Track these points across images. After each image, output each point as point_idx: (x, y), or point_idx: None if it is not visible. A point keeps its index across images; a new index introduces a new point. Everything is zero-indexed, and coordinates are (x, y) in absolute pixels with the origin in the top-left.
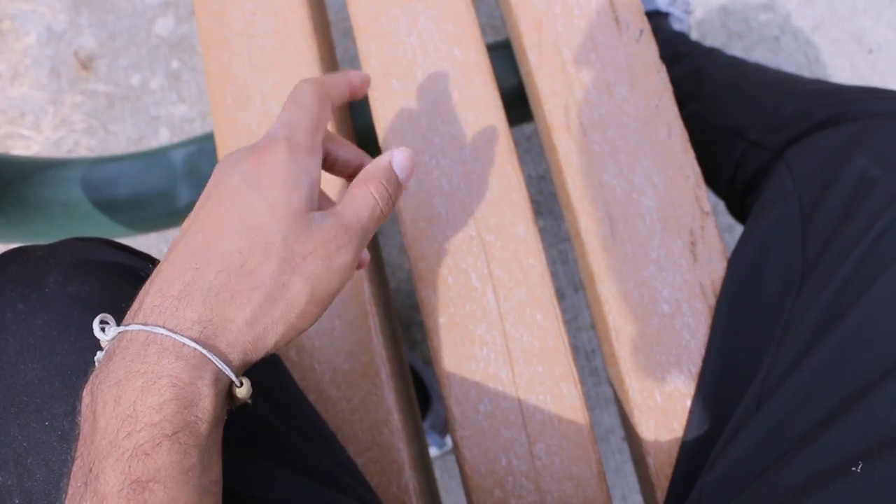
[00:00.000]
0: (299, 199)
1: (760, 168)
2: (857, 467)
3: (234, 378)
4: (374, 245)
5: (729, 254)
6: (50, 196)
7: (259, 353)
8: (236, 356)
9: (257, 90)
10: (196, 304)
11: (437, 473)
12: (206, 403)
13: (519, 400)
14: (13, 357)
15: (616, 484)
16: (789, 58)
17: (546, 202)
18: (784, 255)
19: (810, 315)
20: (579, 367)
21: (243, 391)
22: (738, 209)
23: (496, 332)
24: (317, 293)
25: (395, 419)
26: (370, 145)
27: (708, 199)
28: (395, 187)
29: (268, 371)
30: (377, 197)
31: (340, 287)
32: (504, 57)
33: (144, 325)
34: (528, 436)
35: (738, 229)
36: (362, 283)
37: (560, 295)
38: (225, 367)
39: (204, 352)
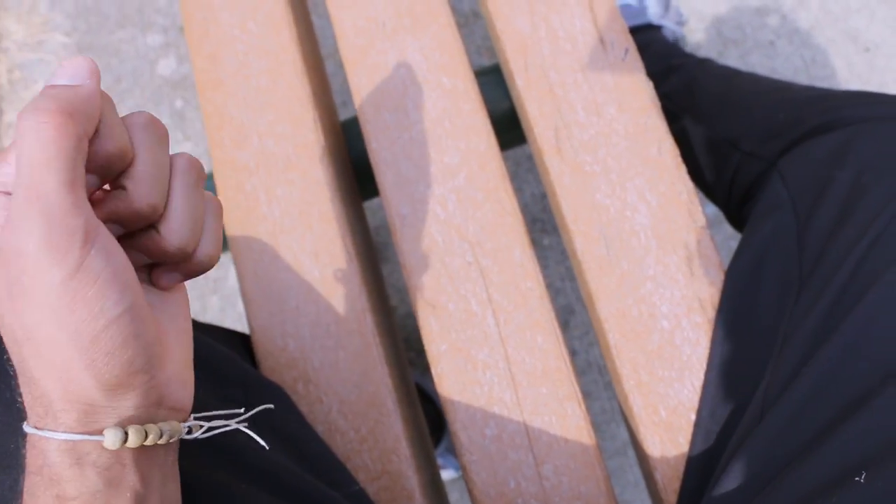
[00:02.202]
0: None
1: (755, 178)
2: (860, 477)
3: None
4: (376, 275)
5: (726, 265)
6: None
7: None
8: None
9: (253, 129)
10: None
11: (457, 496)
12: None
13: (524, 422)
14: None
15: (635, 497)
16: (786, 61)
17: (551, 220)
18: (781, 264)
19: (808, 324)
20: (593, 382)
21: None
22: (737, 219)
23: (498, 356)
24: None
25: (404, 447)
26: (366, 178)
27: (702, 213)
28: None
29: (275, 406)
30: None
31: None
32: (496, 82)
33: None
34: (535, 457)
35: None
36: (364, 313)
37: (570, 311)
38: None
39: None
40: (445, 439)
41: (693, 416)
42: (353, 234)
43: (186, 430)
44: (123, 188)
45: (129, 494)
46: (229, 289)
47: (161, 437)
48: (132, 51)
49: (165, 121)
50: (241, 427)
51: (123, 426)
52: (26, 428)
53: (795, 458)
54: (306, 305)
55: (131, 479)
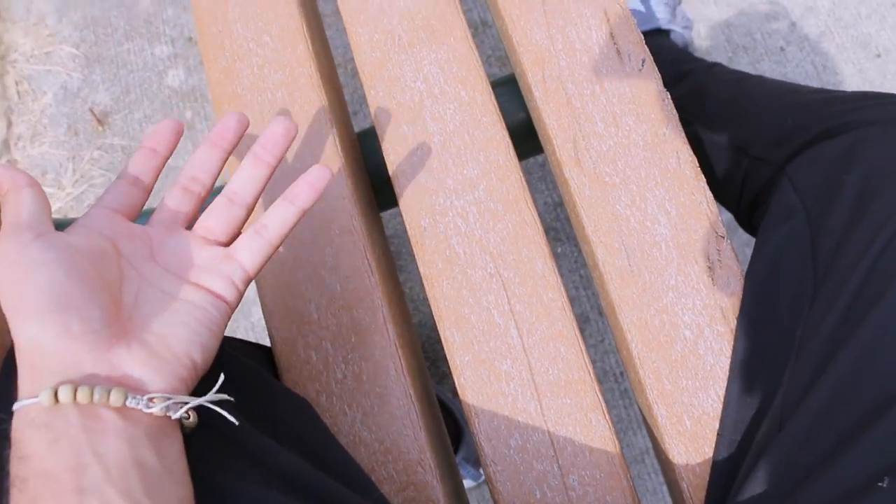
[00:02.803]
0: None
1: (765, 183)
2: (883, 483)
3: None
4: (395, 286)
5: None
6: None
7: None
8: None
9: None
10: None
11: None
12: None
13: (549, 432)
14: None
15: None
16: (797, 68)
17: (564, 228)
18: (796, 270)
19: (823, 330)
20: (609, 391)
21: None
22: (749, 224)
23: (522, 367)
24: None
25: (428, 457)
26: (382, 189)
27: (721, 222)
28: None
29: (297, 419)
30: None
31: None
32: (511, 92)
33: None
34: (561, 468)
35: None
36: (386, 324)
37: (584, 319)
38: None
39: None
40: (463, 448)
41: (717, 426)
42: (373, 245)
43: (145, 402)
44: None
45: (77, 451)
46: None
47: (93, 396)
48: (140, 62)
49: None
50: (206, 403)
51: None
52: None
53: (818, 466)
54: (327, 318)
55: (77, 437)
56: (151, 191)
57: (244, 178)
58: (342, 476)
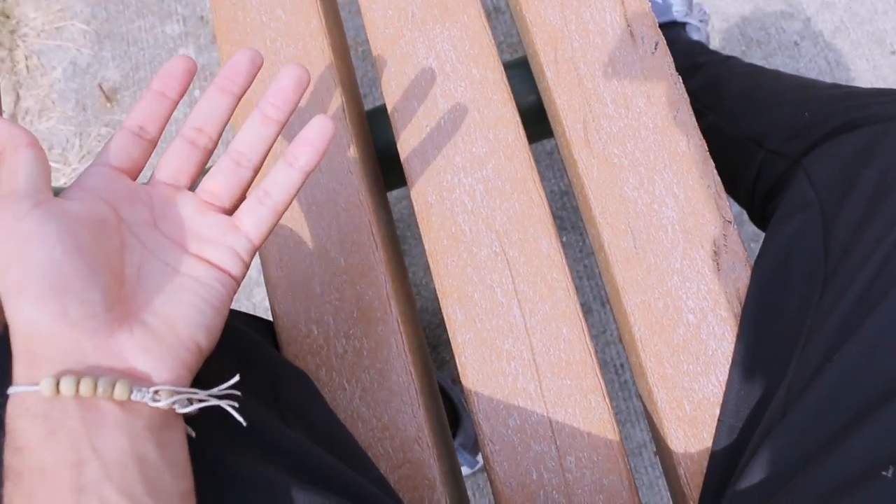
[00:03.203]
0: None
1: (780, 176)
2: (887, 472)
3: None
4: (400, 265)
5: (752, 262)
6: None
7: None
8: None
9: None
10: None
11: (469, 492)
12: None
13: (548, 414)
14: None
15: (650, 499)
16: (810, 63)
17: (569, 217)
18: (806, 262)
19: (832, 321)
20: (609, 382)
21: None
22: (761, 218)
23: (523, 347)
24: None
25: (426, 436)
26: (393, 167)
27: (730, 208)
28: None
29: (298, 392)
30: None
31: None
32: (522, 75)
33: None
34: (559, 449)
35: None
36: (389, 301)
37: (587, 310)
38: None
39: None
40: (460, 435)
41: (717, 412)
42: (379, 222)
43: (150, 395)
44: None
45: (75, 445)
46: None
47: (97, 388)
48: (151, 39)
49: (184, 110)
50: (219, 402)
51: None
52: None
53: (820, 453)
54: (330, 292)
55: (76, 430)
56: (157, 143)
57: (251, 137)
58: (342, 452)
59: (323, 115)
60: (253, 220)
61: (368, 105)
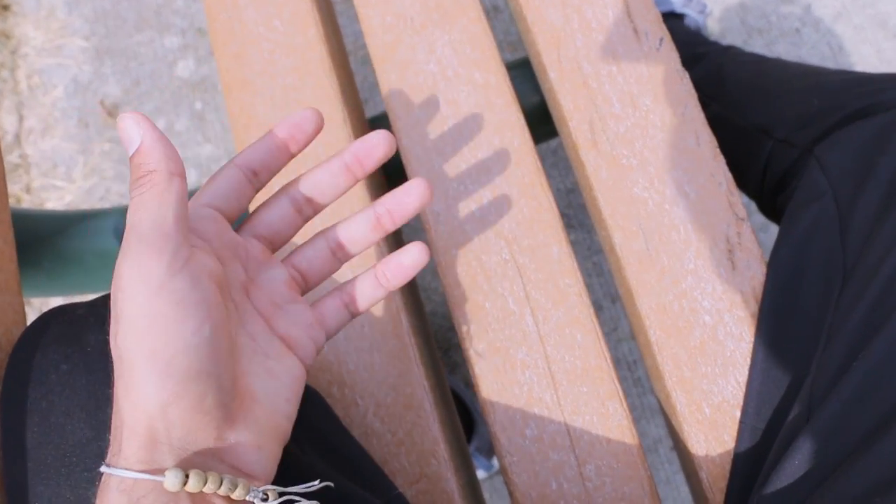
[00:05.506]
0: None
1: (790, 166)
2: None
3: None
4: None
5: (766, 256)
6: (85, 247)
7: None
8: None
9: None
10: None
11: (486, 496)
12: None
13: (565, 422)
14: (61, 418)
15: (668, 495)
16: (812, 49)
17: (576, 215)
18: (824, 255)
19: (855, 316)
20: (623, 379)
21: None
22: (771, 209)
23: (537, 355)
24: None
25: (442, 449)
26: (397, 176)
27: (742, 204)
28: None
29: (314, 412)
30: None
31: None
32: (525, 76)
33: None
34: (577, 458)
35: (773, 228)
36: (399, 314)
37: (597, 307)
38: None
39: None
40: (475, 439)
41: (737, 413)
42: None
43: (261, 495)
44: None
45: None
46: None
47: (221, 486)
48: (150, 53)
49: (185, 123)
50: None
51: (184, 469)
52: (103, 469)
53: (849, 456)
54: None
55: None
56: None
57: (357, 235)
58: (358, 471)
59: (421, 242)
60: (334, 322)
61: (370, 110)
